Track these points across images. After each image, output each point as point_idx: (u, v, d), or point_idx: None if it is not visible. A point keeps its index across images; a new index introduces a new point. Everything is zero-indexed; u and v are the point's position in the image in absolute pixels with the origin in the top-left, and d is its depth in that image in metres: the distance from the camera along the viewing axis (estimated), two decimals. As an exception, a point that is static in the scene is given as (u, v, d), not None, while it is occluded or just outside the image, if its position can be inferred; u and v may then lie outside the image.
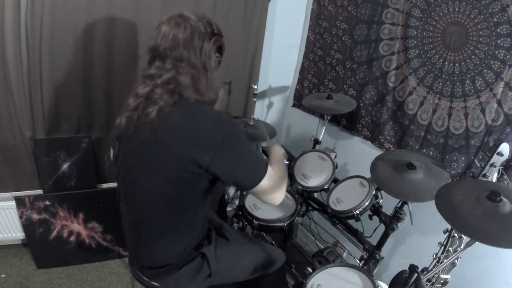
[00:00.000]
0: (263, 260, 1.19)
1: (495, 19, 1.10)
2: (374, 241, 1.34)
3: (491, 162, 0.91)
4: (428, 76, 1.34)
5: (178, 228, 0.96)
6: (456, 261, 0.91)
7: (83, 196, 1.65)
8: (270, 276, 1.21)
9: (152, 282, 1.05)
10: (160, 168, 0.87)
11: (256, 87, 1.67)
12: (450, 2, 1.23)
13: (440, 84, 1.29)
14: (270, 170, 0.93)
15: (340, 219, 1.40)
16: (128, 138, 0.92)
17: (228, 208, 2.19)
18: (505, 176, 1.05)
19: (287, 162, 1.89)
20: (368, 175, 1.22)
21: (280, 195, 0.98)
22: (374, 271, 1.35)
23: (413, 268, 0.97)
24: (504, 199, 0.76)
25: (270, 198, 0.96)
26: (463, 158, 1.26)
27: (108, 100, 1.62)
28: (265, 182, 0.91)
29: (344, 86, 1.75)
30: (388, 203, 1.28)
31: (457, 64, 1.23)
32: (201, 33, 0.88)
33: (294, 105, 2.17)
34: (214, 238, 1.10)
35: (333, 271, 1.10)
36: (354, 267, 1.11)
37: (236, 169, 0.89)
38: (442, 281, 0.95)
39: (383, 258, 1.34)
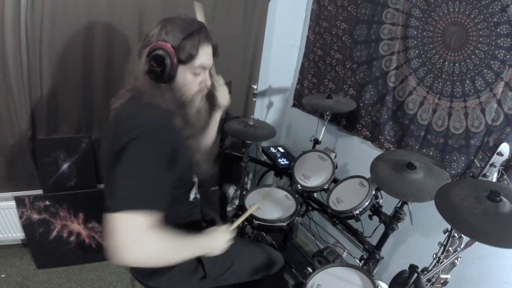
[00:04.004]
0: (261, 262, 1.19)
1: (495, 19, 1.10)
2: (374, 241, 1.34)
3: (491, 162, 0.91)
4: (428, 76, 1.34)
5: None
6: (456, 261, 0.91)
7: (83, 196, 1.65)
8: (268, 278, 1.20)
9: (147, 282, 1.06)
10: (105, 167, 0.87)
11: (256, 87, 1.67)
12: (450, 2, 1.23)
13: (440, 84, 1.29)
14: (131, 218, 0.70)
15: (340, 219, 1.40)
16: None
17: (228, 208, 2.19)
18: (505, 176, 1.06)
19: (287, 162, 1.90)
20: (368, 175, 1.22)
21: (126, 254, 0.69)
22: (374, 271, 1.35)
23: (413, 268, 0.97)
24: (504, 199, 0.76)
25: (111, 245, 0.69)
26: (463, 158, 1.26)
27: (108, 100, 1.58)
28: (113, 220, 0.69)
29: (344, 86, 1.75)
30: (388, 203, 1.28)
31: (457, 64, 1.23)
32: (153, 37, 0.87)
33: (294, 105, 2.17)
34: None
35: (333, 271, 1.10)
36: (354, 267, 1.11)
37: (113, 177, 0.75)
38: (442, 281, 0.95)
39: (383, 258, 1.34)
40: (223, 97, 1.21)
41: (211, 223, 1.17)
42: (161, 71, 0.86)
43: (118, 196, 0.73)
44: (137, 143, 0.76)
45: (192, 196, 1.07)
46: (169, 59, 0.85)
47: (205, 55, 0.92)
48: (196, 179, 1.09)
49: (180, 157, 0.87)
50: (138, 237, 0.71)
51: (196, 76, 0.94)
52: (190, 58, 0.89)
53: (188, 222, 1.07)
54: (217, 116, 1.25)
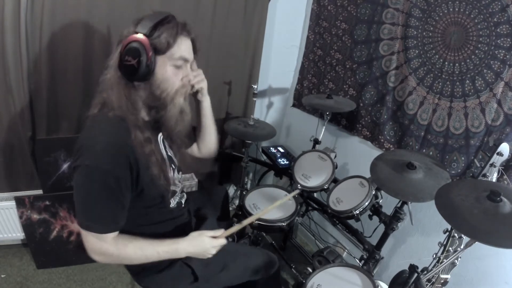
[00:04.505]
0: (255, 265, 1.16)
1: (495, 19, 1.10)
2: (374, 241, 1.34)
3: (491, 162, 0.91)
4: (428, 76, 1.34)
5: (127, 232, 0.89)
6: (456, 261, 0.91)
7: (83, 196, 1.65)
8: (263, 281, 1.18)
9: (140, 283, 1.06)
10: None
11: (256, 87, 1.67)
12: (450, 2, 1.23)
13: (440, 84, 1.29)
14: (102, 237, 0.81)
15: (340, 219, 1.40)
16: None
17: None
18: (505, 176, 1.06)
19: (287, 162, 1.90)
20: (368, 175, 1.22)
21: (96, 258, 0.86)
22: (374, 271, 1.35)
23: (413, 268, 0.97)
24: (504, 199, 0.76)
25: (87, 250, 0.85)
26: (463, 158, 1.26)
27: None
28: (84, 234, 0.82)
29: (344, 86, 1.75)
30: (388, 203, 1.28)
31: (457, 64, 1.23)
32: (123, 33, 0.82)
33: (294, 105, 2.17)
34: None
35: (333, 271, 1.10)
36: (354, 267, 1.11)
37: (75, 195, 0.81)
38: (442, 281, 0.95)
39: (383, 258, 1.34)
40: (199, 79, 1.02)
41: (201, 221, 1.14)
42: (137, 63, 0.78)
43: (78, 214, 0.81)
44: (80, 172, 0.78)
45: (173, 202, 1.02)
46: (143, 48, 0.78)
47: (184, 47, 0.86)
48: (176, 187, 1.03)
49: (140, 178, 0.84)
50: (101, 247, 0.83)
51: (178, 69, 0.87)
52: (168, 47, 0.82)
53: (175, 227, 1.05)
54: (206, 105, 1.12)
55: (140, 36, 0.79)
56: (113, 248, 0.84)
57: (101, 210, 0.81)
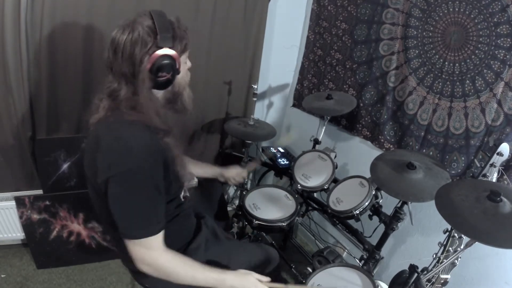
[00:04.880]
0: (257, 260, 1.18)
1: (495, 19, 1.10)
2: (374, 241, 1.34)
3: (491, 162, 0.91)
4: (428, 76, 1.34)
5: None
6: (456, 261, 0.91)
7: (83, 196, 1.65)
8: (265, 275, 1.20)
9: (143, 282, 1.06)
10: (88, 177, 0.90)
11: (256, 87, 1.67)
12: (450, 2, 1.23)
13: (440, 84, 1.29)
14: (150, 244, 0.80)
15: (340, 219, 1.40)
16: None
17: (228, 208, 2.19)
18: (505, 176, 1.06)
19: (287, 162, 1.90)
20: (368, 175, 1.22)
21: (145, 269, 0.83)
22: (374, 271, 1.35)
23: (413, 268, 0.97)
24: (504, 199, 0.76)
25: (136, 263, 0.83)
26: (463, 158, 1.26)
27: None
28: (132, 246, 0.81)
29: (344, 86, 1.75)
30: (388, 203, 1.28)
31: (457, 64, 1.23)
32: (141, 47, 0.80)
33: (294, 105, 2.17)
34: (203, 241, 1.08)
35: (333, 271, 1.10)
36: (354, 267, 1.11)
37: (115, 208, 0.80)
38: (442, 281, 0.95)
39: (383, 258, 1.34)
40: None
41: (199, 219, 1.15)
42: (172, 75, 0.84)
43: (122, 226, 0.79)
44: (121, 178, 0.77)
45: (181, 195, 1.04)
46: (174, 61, 0.83)
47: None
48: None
49: (169, 174, 0.86)
50: (151, 256, 0.81)
51: (185, 64, 0.93)
52: (186, 48, 0.88)
53: (183, 224, 1.06)
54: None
55: (169, 51, 0.81)
56: (163, 258, 0.83)
57: (147, 212, 0.81)
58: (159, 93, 0.90)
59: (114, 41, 0.83)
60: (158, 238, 0.82)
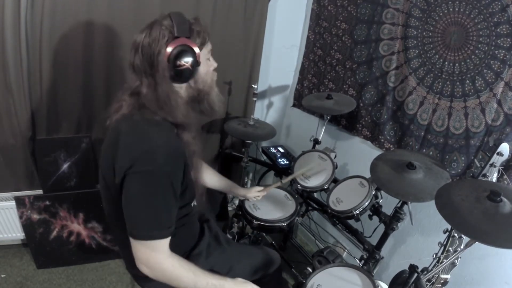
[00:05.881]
0: (259, 262, 1.18)
1: (495, 19, 1.10)
2: (374, 241, 1.34)
3: (491, 162, 0.91)
4: (428, 76, 1.34)
5: None
6: (456, 261, 0.91)
7: (83, 196, 1.65)
8: (267, 277, 1.20)
9: (143, 284, 1.06)
10: (102, 173, 0.89)
11: (256, 87, 1.67)
12: (450, 2, 1.23)
13: (440, 84, 1.29)
14: (157, 247, 0.79)
15: (340, 219, 1.40)
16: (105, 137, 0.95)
17: (228, 208, 2.19)
18: (505, 176, 1.06)
19: (287, 162, 1.90)
20: (368, 175, 1.22)
21: (145, 270, 0.82)
22: (374, 271, 1.35)
23: (413, 268, 0.97)
24: (504, 199, 0.76)
25: (137, 263, 0.82)
26: (463, 158, 1.25)
27: (108, 100, 1.62)
28: (138, 246, 0.79)
29: (344, 86, 1.75)
30: (388, 203, 1.28)
31: (457, 64, 1.23)
32: (159, 40, 0.81)
33: (294, 105, 2.17)
34: (205, 247, 1.08)
35: (333, 271, 1.10)
36: (354, 267, 1.11)
37: (128, 205, 0.79)
38: (442, 281, 0.95)
39: (383, 258, 1.34)
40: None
41: (203, 223, 1.15)
42: (192, 65, 0.83)
43: (135, 225, 0.78)
44: (142, 178, 0.77)
45: (193, 203, 1.04)
46: (192, 49, 0.82)
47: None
48: None
49: (186, 180, 0.87)
50: (156, 258, 0.80)
51: (208, 61, 0.92)
52: (205, 41, 0.87)
53: (191, 228, 1.06)
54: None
55: (186, 40, 0.82)
56: (168, 262, 0.82)
57: (160, 215, 0.80)
58: (182, 88, 0.89)
59: (135, 42, 0.83)
60: (165, 242, 0.81)
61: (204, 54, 0.89)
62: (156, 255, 0.80)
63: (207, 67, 0.92)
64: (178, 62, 0.81)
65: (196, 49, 0.84)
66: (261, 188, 1.42)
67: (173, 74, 0.83)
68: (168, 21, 0.83)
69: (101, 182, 0.92)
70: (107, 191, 0.88)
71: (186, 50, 0.82)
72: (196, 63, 0.85)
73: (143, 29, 0.84)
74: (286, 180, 1.47)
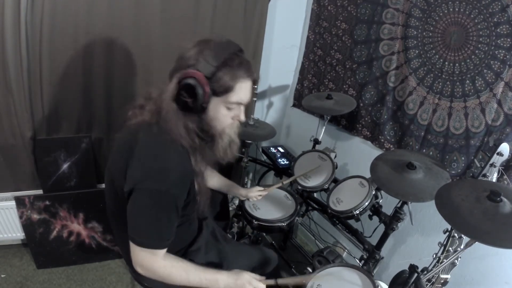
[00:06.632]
0: (256, 262, 1.19)
1: (495, 19, 1.10)
2: (374, 241, 1.34)
3: (491, 162, 0.91)
4: (428, 76, 1.34)
5: None
6: (456, 261, 0.91)
7: (83, 196, 1.65)
8: (265, 277, 1.20)
9: (143, 282, 1.06)
10: (111, 169, 0.91)
11: (256, 86, 1.66)
12: (450, 2, 1.23)
13: (440, 84, 1.29)
14: (155, 253, 0.83)
15: (340, 219, 1.40)
16: (119, 134, 0.95)
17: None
18: (505, 176, 1.05)
19: (287, 162, 1.90)
20: (368, 175, 1.22)
21: (140, 271, 0.86)
22: (374, 271, 1.35)
23: (413, 268, 0.97)
24: (504, 199, 0.76)
25: (134, 264, 0.85)
26: (463, 158, 1.25)
27: (108, 100, 1.62)
28: (137, 251, 0.83)
29: (344, 86, 1.75)
30: (388, 203, 1.28)
31: (457, 64, 1.23)
32: (186, 60, 0.81)
33: (294, 105, 2.17)
34: (203, 243, 1.09)
35: (333, 271, 1.10)
36: (354, 267, 1.11)
37: (133, 215, 0.82)
38: (442, 281, 0.95)
39: (383, 258, 1.34)
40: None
41: (202, 221, 1.15)
42: (192, 102, 0.80)
43: (137, 232, 0.82)
44: (150, 194, 0.79)
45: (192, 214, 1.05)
46: (201, 89, 0.78)
47: (243, 91, 0.86)
48: None
49: (189, 197, 0.89)
50: (152, 262, 0.84)
51: (230, 110, 0.88)
52: (226, 91, 0.83)
53: (187, 226, 1.05)
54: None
55: (200, 76, 0.78)
56: (163, 264, 0.86)
57: (161, 229, 0.84)
58: (187, 115, 0.85)
59: (180, 51, 0.85)
60: (163, 250, 0.86)
61: (222, 100, 0.85)
62: (151, 259, 0.84)
63: (223, 114, 0.87)
64: (182, 91, 0.80)
65: (201, 91, 0.79)
66: (261, 188, 1.43)
67: (176, 98, 0.82)
68: (209, 52, 0.81)
69: (108, 177, 0.93)
70: (114, 189, 0.90)
71: (191, 87, 0.79)
72: (200, 104, 0.81)
73: (195, 42, 0.84)
74: (287, 181, 1.48)
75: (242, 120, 0.93)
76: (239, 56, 0.85)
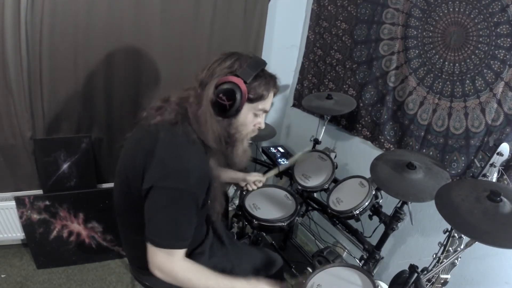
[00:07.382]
0: (260, 263, 1.19)
1: (495, 19, 1.10)
2: (374, 241, 1.34)
3: (491, 162, 0.91)
4: (428, 76, 1.34)
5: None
6: (456, 261, 0.91)
7: (83, 196, 1.65)
8: (268, 278, 1.20)
9: (144, 281, 1.06)
10: (125, 170, 0.90)
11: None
12: (450, 2, 1.23)
13: (440, 84, 1.29)
14: (174, 254, 0.82)
15: (340, 219, 1.40)
16: (132, 134, 0.95)
17: (228, 208, 2.18)
18: (505, 176, 1.05)
19: (286, 163, 1.90)
20: (368, 175, 1.22)
21: (158, 274, 0.84)
22: (374, 271, 1.35)
23: (413, 268, 0.97)
24: (504, 199, 0.76)
25: (151, 267, 0.84)
26: (463, 158, 1.25)
27: (108, 100, 1.62)
28: (156, 252, 0.82)
29: (344, 86, 1.75)
30: (388, 203, 1.28)
31: (457, 64, 1.23)
32: (226, 67, 0.86)
33: (294, 105, 2.17)
34: (208, 246, 1.08)
35: (333, 271, 1.10)
36: (354, 267, 1.11)
37: (153, 215, 0.83)
38: (442, 281, 0.95)
39: (383, 258, 1.34)
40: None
41: (209, 224, 1.15)
42: (230, 106, 0.84)
43: (157, 233, 0.82)
44: (171, 194, 0.80)
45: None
46: (240, 95, 0.83)
47: (270, 100, 0.93)
48: None
49: (207, 197, 0.90)
50: (171, 264, 0.83)
51: (256, 117, 0.93)
52: (258, 98, 0.88)
53: (196, 230, 1.07)
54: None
55: (240, 82, 0.84)
56: (181, 266, 0.84)
57: (181, 228, 0.85)
58: (220, 120, 0.88)
59: (214, 59, 0.89)
60: (182, 251, 0.85)
61: (253, 107, 0.90)
62: (171, 261, 0.83)
63: (250, 120, 0.92)
64: (220, 95, 0.83)
65: (244, 97, 0.85)
66: (260, 174, 1.44)
67: (213, 103, 0.85)
68: (246, 61, 0.87)
69: (120, 176, 0.92)
70: (127, 187, 0.89)
71: (231, 91, 0.83)
72: (236, 107, 0.85)
73: (227, 54, 0.89)
74: (284, 168, 1.53)
75: (262, 127, 0.98)
76: (266, 70, 0.93)
